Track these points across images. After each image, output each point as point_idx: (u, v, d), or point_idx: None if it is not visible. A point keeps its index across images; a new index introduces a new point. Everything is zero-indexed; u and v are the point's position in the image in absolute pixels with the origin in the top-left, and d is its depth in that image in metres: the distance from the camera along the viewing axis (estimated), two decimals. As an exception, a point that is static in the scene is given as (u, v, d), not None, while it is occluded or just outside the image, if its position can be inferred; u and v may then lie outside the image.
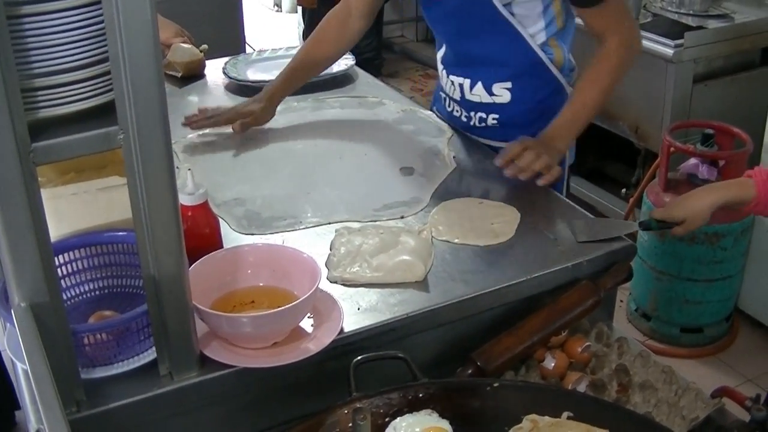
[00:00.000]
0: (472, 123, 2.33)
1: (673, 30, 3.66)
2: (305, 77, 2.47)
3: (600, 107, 2.17)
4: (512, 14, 2.11)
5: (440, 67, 2.39)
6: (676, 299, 3.42)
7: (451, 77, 2.32)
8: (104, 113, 1.20)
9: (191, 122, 2.30)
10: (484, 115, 2.29)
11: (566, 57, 2.24)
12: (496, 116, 2.28)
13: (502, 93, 2.24)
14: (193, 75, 2.78)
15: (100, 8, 1.14)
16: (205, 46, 2.84)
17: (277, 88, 2.36)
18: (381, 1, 2.35)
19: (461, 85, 2.29)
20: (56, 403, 1.05)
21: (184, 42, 2.81)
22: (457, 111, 2.36)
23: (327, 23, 2.40)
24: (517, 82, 2.22)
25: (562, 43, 2.22)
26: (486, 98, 2.26)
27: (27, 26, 1.12)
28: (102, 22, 1.15)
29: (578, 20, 2.20)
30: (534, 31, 2.15)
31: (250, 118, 2.31)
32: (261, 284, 1.58)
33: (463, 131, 2.36)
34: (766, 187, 1.80)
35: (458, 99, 2.33)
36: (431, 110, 2.52)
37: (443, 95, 2.42)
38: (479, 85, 2.26)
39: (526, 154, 2.00)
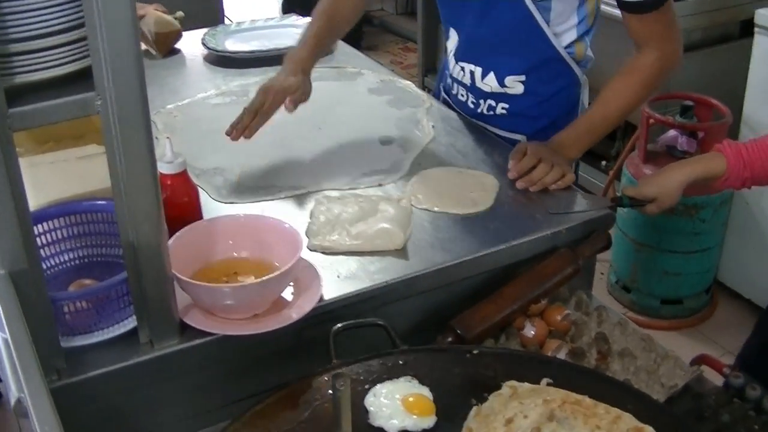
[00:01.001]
0: (479, 110, 2.22)
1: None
2: (330, 44, 2.28)
3: (621, 121, 2.08)
4: (548, 9, 2.00)
5: (450, 56, 2.26)
6: (656, 271, 3.44)
7: (461, 63, 2.21)
8: (81, 79, 1.19)
9: (238, 130, 1.91)
10: (493, 104, 2.19)
11: (586, 52, 2.14)
12: (506, 106, 2.18)
13: (514, 85, 2.14)
14: (170, 48, 2.75)
15: (76, -28, 1.13)
16: (180, 13, 2.79)
17: (306, 61, 2.05)
18: None
19: (472, 72, 2.19)
20: (37, 371, 1.05)
21: (156, 8, 2.76)
22: (463, 96, 2.26)
23: None
24: (531, 75, 2.12)
25: (586, 40, 2.12)
26: (497, 89, 2.16)
27: (2, -9, 1.11)
28: (78, -14, 1.14)
29: (606, 8, 2.12)
30: (564, 28, 2.06)
31: (297, 92, 1.99)
32: (243, 254, 1.58)
33: (468, 117, 2.27)
34: (737, 160, 1.80)
35: (468, 85, 2.23)
36: (438, 93, 2.42)
37: (449, 79, 2.31)
38: (491, 75, 2.15)
39: (540, 167, 1.91)
